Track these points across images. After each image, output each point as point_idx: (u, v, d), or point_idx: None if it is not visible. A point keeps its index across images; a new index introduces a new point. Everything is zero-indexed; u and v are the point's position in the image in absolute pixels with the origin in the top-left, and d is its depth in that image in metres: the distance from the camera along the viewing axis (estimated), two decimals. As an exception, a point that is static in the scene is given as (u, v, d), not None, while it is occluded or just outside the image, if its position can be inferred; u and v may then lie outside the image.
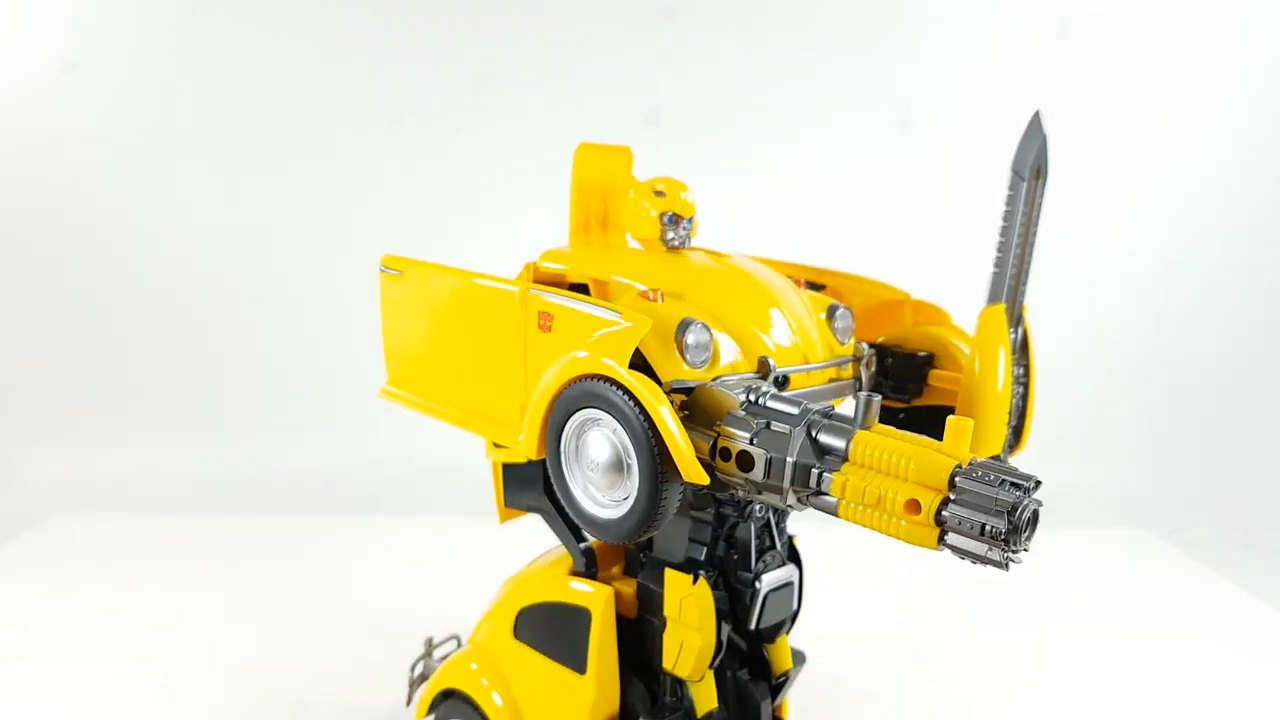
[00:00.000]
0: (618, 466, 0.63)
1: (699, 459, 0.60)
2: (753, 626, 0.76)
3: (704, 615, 0.74)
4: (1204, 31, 2.04)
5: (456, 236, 1.80)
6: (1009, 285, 0.75)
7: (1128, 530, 1.80)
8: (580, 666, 0.78)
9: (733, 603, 0.76)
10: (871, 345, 0.82)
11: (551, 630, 0.81)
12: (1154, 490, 2.04)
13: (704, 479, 0.59)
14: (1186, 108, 2.09)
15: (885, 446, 0.56)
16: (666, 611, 0.76)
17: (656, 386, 0.60)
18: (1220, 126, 2.10)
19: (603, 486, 0.65)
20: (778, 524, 0.79)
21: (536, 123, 1.99)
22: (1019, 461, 0.83)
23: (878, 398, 0.59)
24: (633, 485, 0.63)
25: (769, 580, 0.76)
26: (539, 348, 0.68)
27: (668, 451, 0.60)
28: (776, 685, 0.85)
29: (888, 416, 0.83)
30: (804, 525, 0.84)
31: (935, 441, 0.55)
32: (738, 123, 2.05)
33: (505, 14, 1.95)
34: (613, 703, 0.79)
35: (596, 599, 0.78)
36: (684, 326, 0.66)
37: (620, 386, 0.61)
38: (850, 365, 0.78)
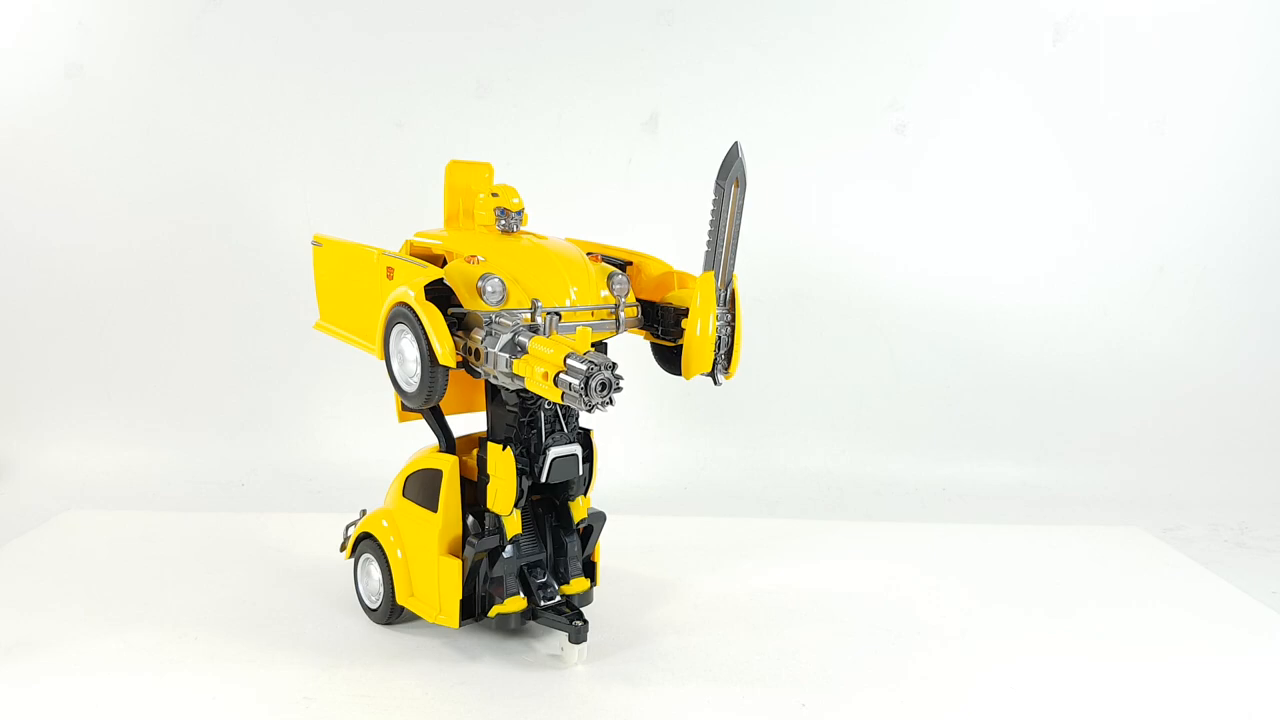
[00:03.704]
0: (417, 360, 1.03)
1: (462, 355, 1.00)
2: (543, 480, 1.15)
3: (508, 471, 1.13)
4: (1202, 31, 2.11)
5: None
6: (719, 259, 1.11)
7: (1121, 527, 1.83)
8: (435, 508, 1.19)
9: (531, 464, 1.16)
10: (651, 302, 1.20)
11: (422, 486, 1.22)
12: (1147, 488, 2.10)
13: (450, 362, 0.99)
14: (1182, 107, 2.15)
15: (544, 343, 0.95)
16: (488, 470, 1.15)
17: (433, 307, 1.00)
18: (1219, 126, 2.16)
19: (410, 373, 1.05)
20: (565, 416, 1.18)
21: (535, 127, 2.09)
22: (737, 384, 1.19)
23: (556, 319, 0.98)
24: (419, 370, 1.03)
25: (554, 451, 1.15)
26: (387, 289, 1.09)
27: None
28: (583, 532, 1.24)
29: (666, 351, 1.21)
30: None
31: (569, 341, 0.94)
32: (737, 126, 2.08)
33: (505, 23, 2.06)
34: (456, 530, 1.19)
35: (446, 463, 1.18)
36: (483, 278, 1.05)
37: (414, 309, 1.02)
38: (616, 311, 1.15)
